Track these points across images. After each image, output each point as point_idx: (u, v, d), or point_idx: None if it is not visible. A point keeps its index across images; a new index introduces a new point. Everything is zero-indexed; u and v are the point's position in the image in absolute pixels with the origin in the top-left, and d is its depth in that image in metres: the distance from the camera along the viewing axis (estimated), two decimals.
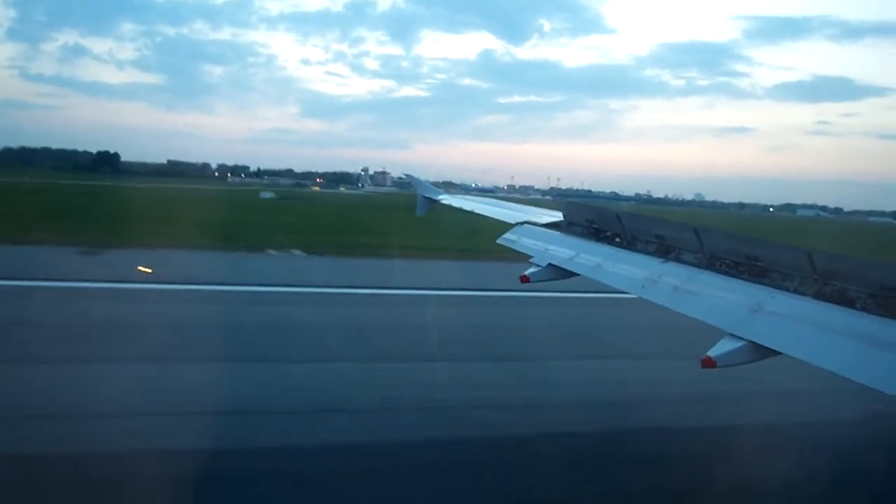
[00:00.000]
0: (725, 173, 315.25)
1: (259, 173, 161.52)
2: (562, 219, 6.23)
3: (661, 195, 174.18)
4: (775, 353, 3.21)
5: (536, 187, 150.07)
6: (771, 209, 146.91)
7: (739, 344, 3.30)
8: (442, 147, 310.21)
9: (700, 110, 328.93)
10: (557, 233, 6.05)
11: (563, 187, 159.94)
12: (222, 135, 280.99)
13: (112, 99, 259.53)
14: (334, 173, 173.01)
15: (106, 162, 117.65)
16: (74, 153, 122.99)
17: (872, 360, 2.84)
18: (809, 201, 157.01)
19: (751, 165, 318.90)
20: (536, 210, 7.44)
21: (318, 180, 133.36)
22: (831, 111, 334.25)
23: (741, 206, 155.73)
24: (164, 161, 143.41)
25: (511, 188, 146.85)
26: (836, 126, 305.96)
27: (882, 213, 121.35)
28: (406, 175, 12.28)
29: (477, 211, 8.22)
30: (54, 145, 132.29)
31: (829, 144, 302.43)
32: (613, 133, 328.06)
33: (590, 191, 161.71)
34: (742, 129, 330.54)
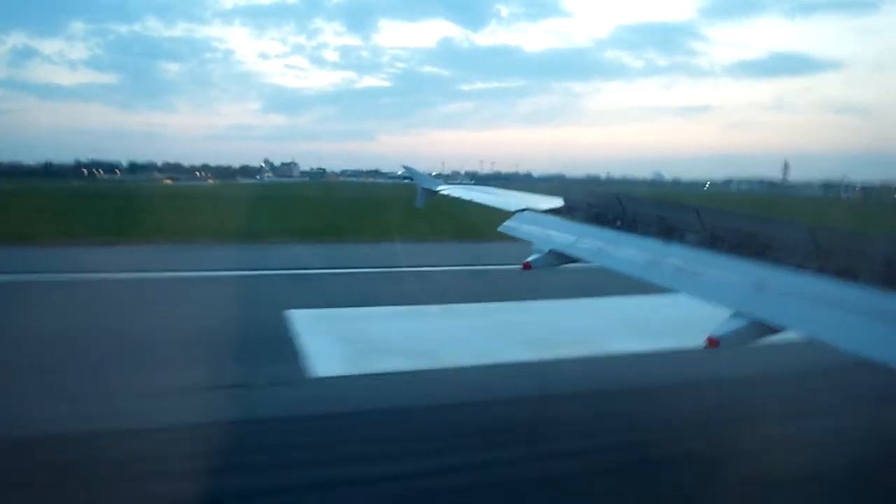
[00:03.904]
0: (688, 152, 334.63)
1: (133, 168, 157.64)
2: (562, 204, 6.62)
3: (617, 176, 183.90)
4: (780, 330, 3.44)
5: (463, 172, 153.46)
6: (706, 185, 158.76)
7: (743, 323, 3.51)
8: (407, 137, 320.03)
9: (661, 90, 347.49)
10: (558, 218, 6.42)
11: (503, 171, 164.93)
12: (184, 133, 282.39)
13: (68, 101, 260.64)
14: (229, 167, 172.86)
15: None
16: None
17: (878, 334, 3.00)
18: (771, 176, 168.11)
19: (712, 143, 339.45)
20: (538, 197, 7.84)
21: (165, 179, 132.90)
22: (788, 87, 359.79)
23: (676, 182, 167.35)
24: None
25: (438, 175, 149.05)
26: (793, 102, 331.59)
27: (810, 186, 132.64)
28: (405, 167, 12.85)
29: (476, 200, 8.67)
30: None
31: (787, 120, 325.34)
32: (577, 116, 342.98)
33: (530, 174, 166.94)
34: (702, 108, 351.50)
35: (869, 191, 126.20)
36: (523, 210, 7.00)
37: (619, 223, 5.67)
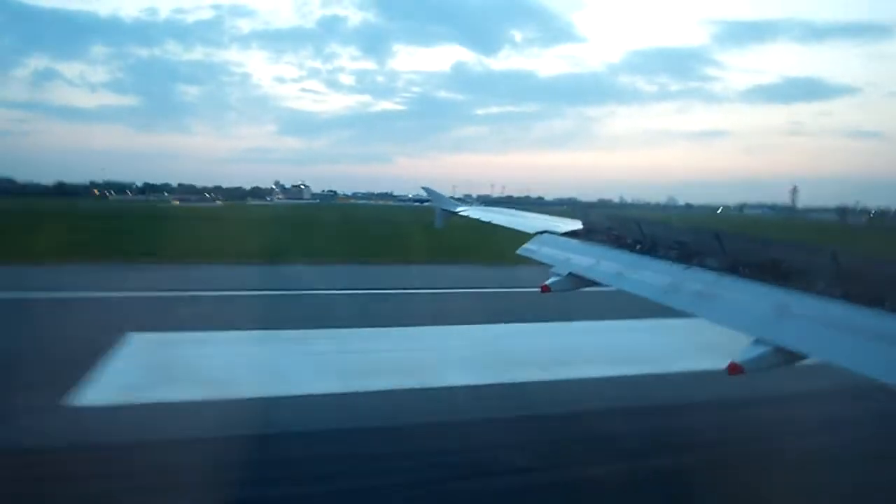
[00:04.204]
0: (702, 176, 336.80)
1: (145, 189, 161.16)
2: (581, 227, 6.57)
3: (630, 200, 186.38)
4: (803, 357, 3.37)
5: (475, 196, 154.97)
6: (720, 210, 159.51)
7: (766, 349, 3.46)
8: (423, 160, 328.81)
9: (674, 115, 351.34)
10: (577, 241, 6.38)
11: (515, 195, 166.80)
12: (201, 155, 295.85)
13: (87, 122, 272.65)
14: (240, 189, 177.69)
15: None
16: None
17: None
18: (783, 201, 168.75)
19: (727, 168, 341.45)
20: (556, 219, 7.85)
21: (175, 199, 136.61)
22: (804, 112, 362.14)
23: (689, 206, 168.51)
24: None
25: (451, 198, 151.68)
26: (809, 126, 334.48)
27: (826, 210, 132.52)
28: (425, 189, 12.99)
29: (495, 222, 8.68)
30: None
31: (802, 144, 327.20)
32: (591, 140, 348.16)
33: (542, 198, 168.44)
34: (717, 133, 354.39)
35: (883, 216, 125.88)
36: (542, 233, 7.00)
37: (638, 246, 5.63)
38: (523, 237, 7.25)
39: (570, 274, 5.84)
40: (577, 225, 6.86)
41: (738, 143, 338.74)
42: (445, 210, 11.29)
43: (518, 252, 6.98)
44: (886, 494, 6.73)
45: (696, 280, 4.56)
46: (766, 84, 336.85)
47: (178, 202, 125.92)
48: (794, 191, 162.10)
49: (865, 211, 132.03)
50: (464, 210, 10.79)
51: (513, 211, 9.88)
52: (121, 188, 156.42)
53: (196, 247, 28.51)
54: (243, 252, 26.68)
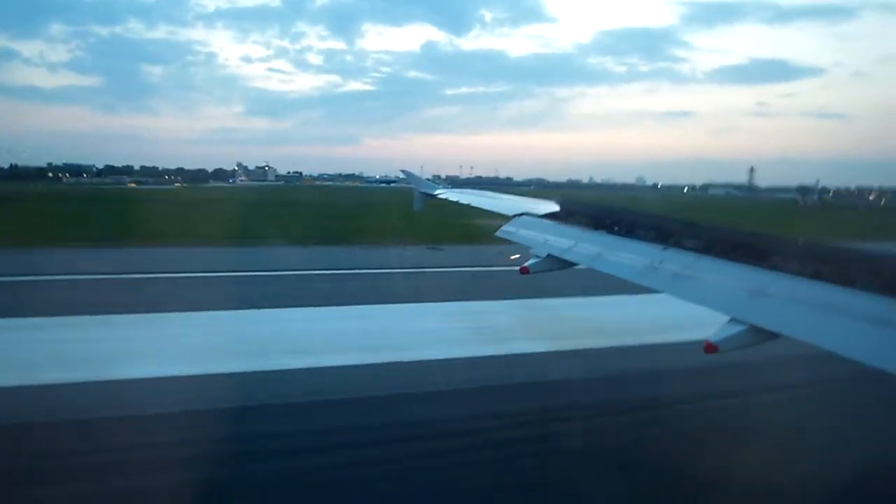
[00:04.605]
0: (670, 156, 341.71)
1: (100, 172, 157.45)
2: (560, 209, 6.62)
3: (599, 180, 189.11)
4: (776, 335, 3.45)
5: (443, 177, 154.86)
6: (685, 189, 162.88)
7: (741, 328, 3.52)
8: (392, 141, 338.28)
9: (643, 95, 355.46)
10: (555, 223, 6.40)
11: (483, 176, 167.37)
12: (166, 137, 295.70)
13: (47, 103, 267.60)
14: (203, 171, 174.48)
15: None
16: None
17: (873, 339, 3.03)
18: (747, 180, 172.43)
19: (694, 148, 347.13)
20: (534, 201, 7.84)
21: (131, 182, 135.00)
22: (769, 93, 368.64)
23: (654, 187, 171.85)
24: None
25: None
26: (774, 107, 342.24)
27: (787, 189, 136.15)
28: (403, 172, 12.91)
29: (474, 204, 8.73)
30: None
31: (768, 125, 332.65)
32: (561, 121, 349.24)
33: (510, 178, 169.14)
34: (684, 113, 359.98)
35: (842, 195, 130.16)
36: (521, 214, 7.01)
37: (616, 228, 5.72)
38: (500, 219, 7.27)
39: (548, 255, 5.87)
40: (554, 207, 6.89)
41: (705, 123, 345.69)
42: (424, 192, 11.31)
43: (496, 234, 6.99)
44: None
45: (673, 261, 4.61)
46: (733, 65, 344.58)
47: (133, 185, 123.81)
48: (752, 171, 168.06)
49: (826, 190, 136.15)
50: (442, 193, 10.77)
51: (490, 193, 9.88)
52: (80, 171, 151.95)
53: (120, 231, 29.04)
54: (158, 235, 26.87)
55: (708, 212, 54.52)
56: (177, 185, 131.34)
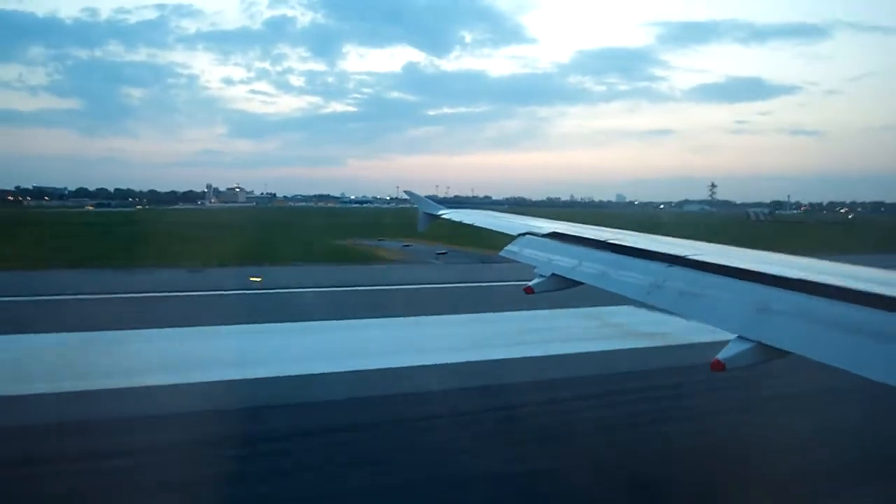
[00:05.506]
0: (649, 174, 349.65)
1: (71, 195, 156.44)
2: (563, 229, 6.58)
3: (579, 198, 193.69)
4: (784, 353, 3.45)
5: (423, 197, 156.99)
6: (661, 206, 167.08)
7: (748, 345, 3.52)
8: (375, 161, 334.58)
9: (623, 114, 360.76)
10: (559, 242, 6.36)
11: (461, 195, 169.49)
12: (146, 159, 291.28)
13: (25, 126, 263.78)
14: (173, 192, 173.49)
15: None
16: None
17: (878, 355, 3.07)
18: (727, 198, 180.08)
19: (673, 166, 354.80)
20: (537, 220, 7.85)
21: (90, 205, 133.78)
22: (747, 110, 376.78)
23: (631, 203, 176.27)
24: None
25: (393, 199, 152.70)
26: (752, 124, 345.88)
27: (761, 205, 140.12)
28: (406, 192, 12.76)
29: (477, 224, 8.69)
30: None
31: (746, 142, 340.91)
32: (542, 140, 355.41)
33: (489, 197, 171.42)
34: (663, 132, 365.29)
35: (813, 210, 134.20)
36: (524, 234, 6.93)
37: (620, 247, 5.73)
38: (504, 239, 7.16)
39: (553, 275, 5.79)
40: (557, 226, 6.83)
41: (683, 141, 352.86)
42: (427, 213, 11.26)
43: (501, 254, 6.88)
44: None
45: (678, 279, 4.57)
46: (711, 84, 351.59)
47: (91, 207, 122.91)
48: (713, 187, 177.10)
49: (797, 205, 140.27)
50: (446, 213, 10.69)
51: (492, 213, 9.85)
52: (43, 194, 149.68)
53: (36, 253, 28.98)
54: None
55: (652, 227, 55.75)
56: (137, 207, 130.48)
